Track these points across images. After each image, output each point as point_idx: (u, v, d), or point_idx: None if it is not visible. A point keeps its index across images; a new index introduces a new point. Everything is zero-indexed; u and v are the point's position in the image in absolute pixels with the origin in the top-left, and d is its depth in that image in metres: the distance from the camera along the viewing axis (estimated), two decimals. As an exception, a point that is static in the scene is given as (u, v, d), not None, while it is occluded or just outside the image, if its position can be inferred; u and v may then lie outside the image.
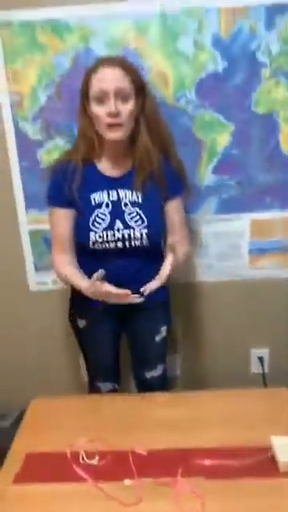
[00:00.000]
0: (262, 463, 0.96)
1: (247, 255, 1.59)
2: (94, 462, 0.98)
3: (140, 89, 1.16)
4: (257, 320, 1.68)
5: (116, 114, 1.11)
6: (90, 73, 1.14)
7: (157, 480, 0.92)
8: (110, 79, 1.10)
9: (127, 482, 0.93)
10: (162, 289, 1.33)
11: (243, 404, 1.17)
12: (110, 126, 1.13)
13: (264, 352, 1.71)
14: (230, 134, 1.45)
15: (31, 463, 0.99)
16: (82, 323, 1.35)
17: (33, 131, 1.46)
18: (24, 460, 1.00)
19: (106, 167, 1.23)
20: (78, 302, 1.35)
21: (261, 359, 1.71)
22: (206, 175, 1.49)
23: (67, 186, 1.19)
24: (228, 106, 1.42)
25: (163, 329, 1.37)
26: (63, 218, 1.23)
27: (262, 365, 1.71)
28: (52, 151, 1.47)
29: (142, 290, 1.12)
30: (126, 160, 1.22)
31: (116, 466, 0.97)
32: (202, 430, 1.07)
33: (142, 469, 0.95)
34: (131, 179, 1.21)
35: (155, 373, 1.39)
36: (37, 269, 1.62)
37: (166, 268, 1.12)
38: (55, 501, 0.90)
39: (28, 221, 1.56)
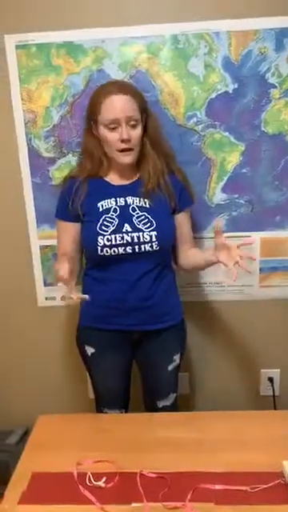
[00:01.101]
0: (274, 489, 0.93)
1: (257, 274, 1.58)
2: (101, 483, 0.96)
3: (144, 110, 1.21)
4: (267, 340, 1.65)
5: (128, 140, 1.16)
6: (99, 98, 1.17)
7: (166, 504, 0.90)
8: (120, 108, 1.14)
9: (135, 505, 0.90)
10: (177, 311, 1.33)
11: (254, 426, 1.14)
12: (123, 151, 1.17)
13: (275, 372, 1.68)
14: (240, 153, 1.46)
15: (37, 483, 0.97)
16: (90, 350, 1.32)
17: (45, 149, 1.49)
18: (30, 479, 0.98)
19: (113, 179, 1.26)
20: (86, 328, 1.33)
21: (271, 380, 1.68)
22: (216, 193, 1.50)
23: (71, 202, 1.22)
24: (238, 126, 1.44)
25: (176, 357, 1.33)
26: (67, 232, 1.27)
27: (273, 385, 1.68)
28: (63, 168, 1.49)
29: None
30: (133, 171, 1.26)
31: (123, 488, 0.94)
32: (212, 452, 1.05)
33: (151, 492, 0.92)
34: (138, 187, 1.23)
35: (167, 402, 1.35)
36: (46, 284, 1.63)
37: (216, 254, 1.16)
38: (61, 523, 0.88)
39: (39, 236, 1.57)
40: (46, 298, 1.65)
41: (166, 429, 1.14)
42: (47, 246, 1.58)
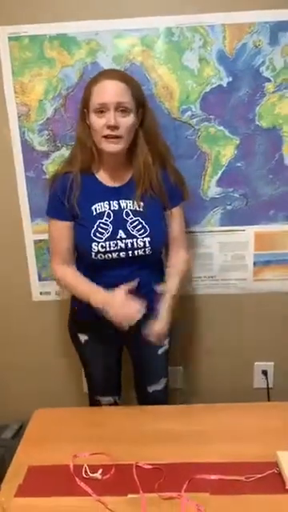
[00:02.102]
0: (268, 479, 0.94)
1: (251, 267, 1.59)
2: (98, 475, 0.97)
3: (140, 103, 1.18)
4: (261, 333, 1.67)
5: (114, 127, 1.12)
6: (91, 83, 1.15)
7: (161, 495, 0.90)
8: (111, 92, 1.11)
9: (131, 496, 0.91)
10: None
11: (248, 418, 1.16)
12: (107, 137, 1.13)
13: (268, 365, 1.70)
14: (234, 146, 1.47)
15: (34, 476, 0.97)
16: (83, 338, 1.34)
17: (39, 142, 1.47)
18: (26, 473, 0.98)
19: (105, 178, 1.23)
20: (78, 316, 1.35)
21: (265, 372, 1.70)
22: (210, 187, 1.50)
23: (66, 199, 1.20)
24: (232, 120, 1.44)
25: (166, 341, 1.36)
26: (63, 230, 1.23)
27: (266, 378, 1.69)
28: (57, 162, 1.48)
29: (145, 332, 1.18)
30: (125, 171, 1.23)
31: (120, 480, 0.95)
32: (207, 443, 1.06)
33: (147, 483, 0.93)
34: (131, 189, 1.21)
35: (158, 387, 1.38)
36: (40, 279, 1.62)
37: (163, 311, 1.21)
38: (58, 515, 0.88)
39: (33, 231, 1.56)
40: (41, 293, 1.64)
41: (162, 421, 1.15)
42: (41, 241, 1.57)
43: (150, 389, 1.38)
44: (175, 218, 1.28)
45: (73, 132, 1.44)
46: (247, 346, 1.68)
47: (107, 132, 1.12)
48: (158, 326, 1.19)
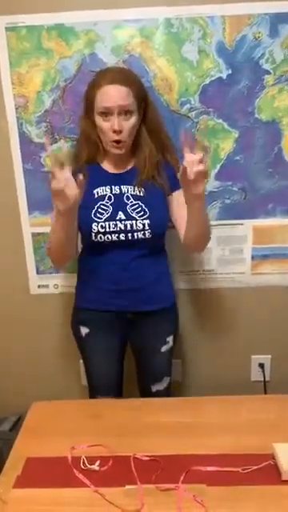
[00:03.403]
0: (264, 470, 0.95)
1: (249, 261, 1.59)
2: (95, 467, 0.97)
3: (142, 100, 1.20)
4: (258, 326, 1.67)
5: (119, 131, 1.16)
6: (95, 87, 1.17)
7: (159, 486, 0.91)
8: (113, 97, 1.14)
9: (129, 487, 0.92)
10: (169, 294, 1.35)
11: (245, 410, 1.17)
12: (113, 142, 1.18)
13: (266, 358, 1.71)
14: (233, 140, 1.46)
15: (32, 467, 0.98)
16: (84, 331, 1.34)
17: (37, 134, 1.46)
18: (24, 464, 0.99)
19: (108, 166, 1.27)
20: (81, 309, 1.35)
21: (262, 365, 1.71)
22: (208, 181, 1.50)
23: None
24: (231, 113, 1.43)
25: (170, 338, 1.35)
26: None
27: (263, 371, 1.71)
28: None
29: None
30: (128, 160, 1.26)
31: (117, 472, 0.96)
32: (204, 436, 1.07)
33: (144, 474, 0.94)
34: (134, 176, 1.24)
35: (161, 386, 1.38)
36: (38, 272, 1.62)
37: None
38: (56, 506, 0.89)
39: (30, 224, 1.56)
40: (39, 286, 1.64)
41: (159, 413, 1.16)
42: (39, 234, 1.56)
43: (154, 388, 1.37)
44: (177, 201, 1.26)
45: (71, 124, 1.43)
46: (245, 339, 1.69)
47: (114, 137, 1.17)
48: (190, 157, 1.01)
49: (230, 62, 1.38)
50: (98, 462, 0.98)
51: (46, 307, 1.66)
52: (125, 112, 1.15)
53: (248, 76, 1.40)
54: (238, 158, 1.48)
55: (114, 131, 1.16)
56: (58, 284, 1.63)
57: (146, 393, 1.40)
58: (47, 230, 1.55)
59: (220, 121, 1.44)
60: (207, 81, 1.40)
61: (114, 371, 1.38)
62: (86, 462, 0.98)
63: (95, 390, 1.39)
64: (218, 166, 1.49)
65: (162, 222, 1.25)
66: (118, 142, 1.18)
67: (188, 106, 1.42)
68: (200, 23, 1.35)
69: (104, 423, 1.13)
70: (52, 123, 1.45)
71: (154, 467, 0.96)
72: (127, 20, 1.35)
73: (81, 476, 0.95)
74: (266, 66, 1.39)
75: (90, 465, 0.97)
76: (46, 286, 1.64)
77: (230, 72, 1.39)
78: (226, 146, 1.47)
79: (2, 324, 1.69)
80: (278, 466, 0.94)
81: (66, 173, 1.01)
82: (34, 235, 1.57)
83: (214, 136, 1.46)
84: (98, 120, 1.18)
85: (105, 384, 1.38)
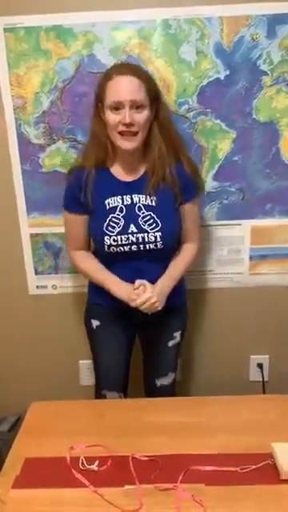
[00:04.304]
0: (263, 470, 0.95)
1: (247, 261, 1.60)
2: (94, 467, 0.97)
3: (154, 97, 1.17)
4: (256, 327, 1.68)
5: (130, 124, 1.12)
6: (105, 79, 1.15)
7: (157, 486, 0.91)
8: (125, 90, 1.11)
9: (127, 487, 0.92)
10: (181, 295, 1.37)
11: (244, 410, 1.17)
12: (122, 134, 1.14)
13: (264, 358, 1.71)
14: (231, 140, 1.46)
15: (30, 468, 0.98)
16: (95, 323, 1.36)
17: (35, 135, 1.47)
18: (23, 464, 0.99)
19: (119, 172, 1.24)
20: (93, 304, 1.37)
21: (260, 365, 1.71)
22: (207, 181, 1.50)
23: (82, 194, 1.22)
24: (229, 114, 1.44)
25: (177, 334, 1.37)
26: (77, 222, 1.28)
27: (262, 371, 1.71)
28: (54, 155, 1.48)
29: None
30: (139, 165, 1.24)
31: (116, 472, 0.96)
32: (203, 435, 1.07)
33: (143, 474, 0.94)
34: (144, 184, 1.22)
35: (165, 381, 1.39)
36: (36, 272, 1.62)
37: (159, 282, 1.23)
38: (54, 506, 0.89)
39: (29, 224, 1.56)
40: (37, 287, 1.64)
41: (158, 414, 1.16)
42: (38, 234, 1.57)
43: (158, 382, 1.39)
44: (187, 213, 1.28)
45: (69, 125, 1.44)
46: (243, 339, 1.69)
47: (122, 128, 1.13)
48: (149, 290, 1.17)
49: (228, 63, 1.39)
50: (96, 462, 0.98)
51: (45, 308, 1.66)
52: (136, 106, 1.12)
53: (246, 77, 1.40)
54: (235, 158, 1.48)
55: (124, 124, 1.11)
56: (56, 284, 1.63)
57: (150, 387, 1.41)
58: (46, 230, 1.56)
59: (218, 121, 1.44)
60: (205, 82, 1.41)
61: (121, 365, 1.39)
62: (84, 462, 0.98)
63: (102, 386, 1.39)
64: (216, 167, 1.49)
65: (173, 233, 1.25)
66: (127, 133, 1.13)
67: (186, 106, 1.43)
68: (198, 24, 1.36)
69: (103, 423, 1.13)
70: (50, 124, 1.45)
71: (153, 467, 0.97)
72: (125, 21, 1.36)
73: (80, 476, 0.95)
74: (264, 67, 1.40)
75: (89, 465, 0.98)
76: (45, 287, 1.64)
77: (227, 73, 1.40)
78: (224, 146, 1.47)
79: (0, 324, 1.69)
80: (277, 466, 0.95)
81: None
82: (32, 236, 1.57)
83: (211, 136, 1.46)
84: (108, 114, 1.14)
85: (112, 377, 1.38)
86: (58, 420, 1.15)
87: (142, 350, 1.44)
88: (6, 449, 1.07)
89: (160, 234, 1.21)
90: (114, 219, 1.21)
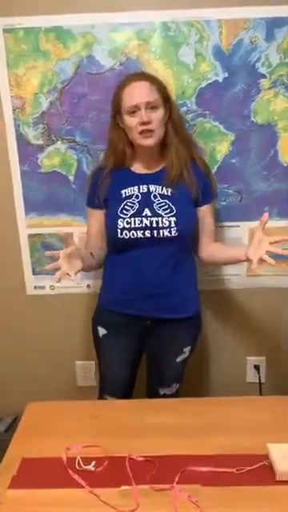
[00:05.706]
0: (259, 471, 0.95)
1: (245, 263, 1.60)
2: (91, 467, 0.97)
3: (166, 98, 1.23)
4: (253, 328, 1.68)
5: (147, 122, 1.17)
6: (120, 88, 1.21)
7: (154, 486, 0.92)
8: (139, 94, 1.17)
9: (124, 487, 0.92)
10: (194, 302, 1.34)
11: (240, 411, 1.17)
12: (142, 132, 1.19)
13: (261, 360, 1.72)
14: (229, 142, 1.47)
15: (27, 468, 0.98)
16: (102, 331, 1.34)
17: (34, 136, 1.47)
18: (20, 465, 0.99)
19: (137, 168, 1.28)
20: (102, 309, 1.36)
21: (257, 367, 1.71)
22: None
23: (99, 189, 1.27)
24: (228, 116, 1.44)
25: (186, 349, 1.34)
26: (92, 217, 1.32)
27: (258, 372, 1.71)
28: (52, 156, 1.48)
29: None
30: (157, 163, 1.27)
31: (113, 472, 0.96)
32: (199, 436, 1.07)
33: (139, 475, 0.94)
34: (162, 177, 1.25)
35: (169, 391, 1.38)
36: (34, 273, 1.62)
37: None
38: (51, 506, 0.89)
39: (27, 225, 1.56)
40: (35, 287, 1.64)
41: (155, 415, 1.16)
42: (35, 235, 1.57)
43: (162, 391, 1.37)
44: (207, 215, 1.31)
45: (68, 126, 1.44)
46: (240, 340, 1.70)
47: (141, 128, 1.18)
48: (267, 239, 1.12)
49: (227, 66, 1.40)
50: (93, 463, 0.98)
51: (42, 308, 1.66)
52: (151, 106, 1.17)
53: (244, 79, 1.41)
54: (233, 160, 1.49)
55: (143, 123, 1.17)
56: (54, 285, 1.63)
57: (153, 394, 1.39)
58: (44, 231, 1.57)
59: (216, 123, 1.45)
60: (204, 84, 1.42)
61: (125, 376, 1.37)
62: (81, 462, 0.98)
63: (105, 392, 1.38)
64: (215, 168, 1.49)
65: (188, 219, 1.25)
66: (147, 131, 1.18)
67: (185, 108, 1.43)
68: (197, 27, 1.36)
69: (99, 424, 1.13)
70: (49, 125, 1.45)
71: (149, 468, 0.97)
72: (124, 23, 1.36)
73: (76, 477, 0.95)
74: (262, 70, 1.41)
75: (86, 465, 0.97)
76: (43, 287, 1.64)
77: (226, 75, 1.41)
78: (222, 148, 1.48)
79: (-3, 325, 1.69)
80: (273, 467, 0.95)
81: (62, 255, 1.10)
82: (30, 236, 1.58)
83: (210, 139, 1.47)
84: (127, 119, 1.19)
85: (115, 386, 1.37)
86: (55, 420, 1.15)
87: (147, 358, 1.40)
88: (2, 449, 1.07)
89: (175, 219, 1.20)
90: (128, 203, 1.23)
